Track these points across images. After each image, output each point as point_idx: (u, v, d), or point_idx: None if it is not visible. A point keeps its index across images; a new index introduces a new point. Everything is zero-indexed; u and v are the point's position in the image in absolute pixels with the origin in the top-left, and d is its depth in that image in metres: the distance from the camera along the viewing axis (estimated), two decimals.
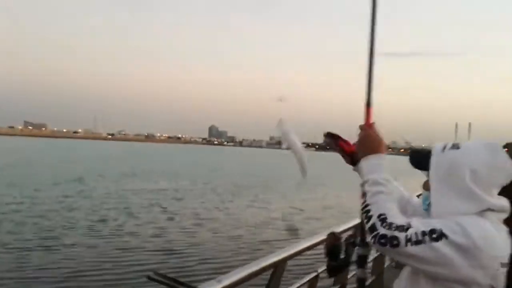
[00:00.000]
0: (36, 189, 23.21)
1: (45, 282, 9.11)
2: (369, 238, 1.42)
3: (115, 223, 15.36)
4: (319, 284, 3.29)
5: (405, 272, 1.53)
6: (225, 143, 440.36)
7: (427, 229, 1.35)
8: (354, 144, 1.76)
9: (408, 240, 1.34)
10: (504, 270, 1.40)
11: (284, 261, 2.66)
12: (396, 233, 1.36)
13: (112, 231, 14.08)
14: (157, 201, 21.44)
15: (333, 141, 1.86)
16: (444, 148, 1.52)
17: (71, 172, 35.00)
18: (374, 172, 1.54)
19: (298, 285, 3.08)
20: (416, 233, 1.34)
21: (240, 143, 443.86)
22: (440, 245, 1.33)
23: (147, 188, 26.80)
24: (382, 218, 1.40)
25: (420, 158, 1.59)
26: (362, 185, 1.54)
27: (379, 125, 1.68)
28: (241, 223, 16.53)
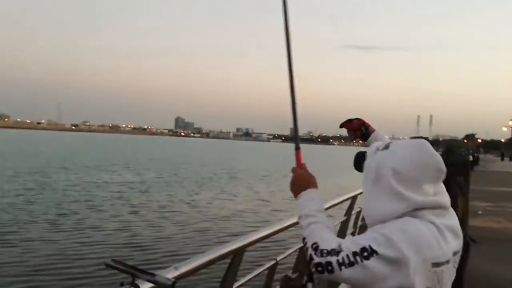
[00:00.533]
0: None
1: (5, 278, 8.78)
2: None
3: (77, 216, 14.96)
4: (277, 271, 3.32)
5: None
6: (192, 134, 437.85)
7: (357, 248, 1.36)
8: (356, 121, 2.27)
9: (341, 264, 1.36)
10: (440, 268, 1.42)
11: (243, 248, 2.67)
12: (329, 258, 1.37)
13: (75, 224, 13.70)
14: (121, 193, 21.05)
15: (346, 127, 2.28)
16: (377, 149, 1.56)
17: (33, 164, 34.04)
18: (305, 207, 1.59)
19: (257, 272, 3.12)
20: (347, 256, 1.36)
21: (207, 135, 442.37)
22: (371, 262, 1.34)
23: (111, 181, 26.37)
24: (315, 247, 1.42)
25: (360, 158, 1.65)
26: (298, 221, 1.59)
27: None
28: (207, 216, 16.41)
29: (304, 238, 1.50)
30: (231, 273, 2.64)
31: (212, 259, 2.37)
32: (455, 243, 1.52)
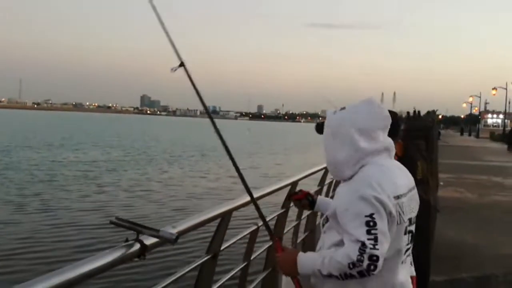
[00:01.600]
0: None
1: None
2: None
3: (44, 197, 14.53)
4: (258, 236, 3.57)
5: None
6: (158, 112, 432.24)
7: (365, 227, 1.65)
8: (302, 192, 2.41)
9: (373, 247, 1.63)
10: (401, 200, 1.76)
11: (230, 211, 2.86)
12: (365, 255, 1.64)
13: (42, 206, 13.26)
14: (89, 172, 20.60)
15: (292, 199, 2.44)
16: (335, 111, 1.89)
17: None
18: (313, 265, 1.76)
19: (241, 236, 3.36)
20: (368, 239, 1.64)
21: (174, 113, 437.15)
22: (379, 223, 1.66)
23: (77, 159, 25.78)
24: (352, 265, 1.65)
25: (321, 125, 1.99)
26: (321, 275, 1.74)
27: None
28: (181, 194, 16.19)
29: (341, 275, 1.68)
30: (219, 235, 2.81)
31: (204, 220, 2.55)
32: (406, 180, 1.88)
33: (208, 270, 2.74)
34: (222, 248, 2.85)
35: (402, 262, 1.83)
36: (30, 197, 14.36)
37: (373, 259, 1.63)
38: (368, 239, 1.63)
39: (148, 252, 1.93)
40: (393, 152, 1.88)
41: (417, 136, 3.74)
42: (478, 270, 5.61)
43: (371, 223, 1.64)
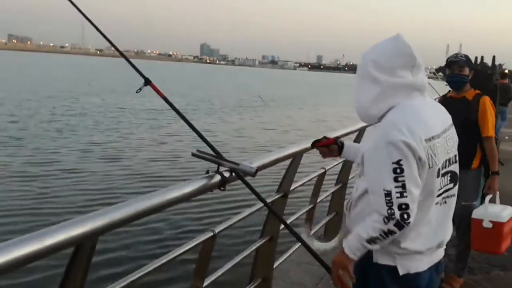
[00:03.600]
0: (18, 107, 21.70)
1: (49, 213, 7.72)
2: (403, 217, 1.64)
3: (111, 145, 14.12)
4: (325, 180, 3.77)
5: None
6: (217, 61, 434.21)
7: (391, 175, 1.60)
8: (328, 139, 2.24)
9: (400, 196, 1.60)
10: (432, 142, 1.67)
11: (301, 152, 2.98)
12: (395, 206, 1.61)
13: (108, 153, 12.74)
14: (153, 121, 19.71)
15: (317, 146, 2.26)
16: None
17: (59, 88, 33.58)
18: (356, 240, 1.73)
19: (309, 178, 3.55)
20: (395, 187, 1.60)
21: (232, 62, 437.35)
22: (406, 170, 1.60)
23: (143, 108, 24.52)
24: (386, 219, 1.63)
25: None
26: (367, 243, 1.71)
27: None
28: (253, 144, 15.53)
29: (381, 234, 1.66)
30: (289, 174, 3.00)
31: (278, 158, 2.74)
32: (441, 119, 1.80)
33: (279, 208, 2.91)
34: (292, 188, 3.01)
35: (437, 204, 1.77)
36: (96, 145, 13.84)
37: (403, 207, 1.60)
38: (396, 187, 1.60)
39: (228, 184, 2.06)
40: (426, 91, 1.77)
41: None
42: None
43: (398, 170, 1.59)
